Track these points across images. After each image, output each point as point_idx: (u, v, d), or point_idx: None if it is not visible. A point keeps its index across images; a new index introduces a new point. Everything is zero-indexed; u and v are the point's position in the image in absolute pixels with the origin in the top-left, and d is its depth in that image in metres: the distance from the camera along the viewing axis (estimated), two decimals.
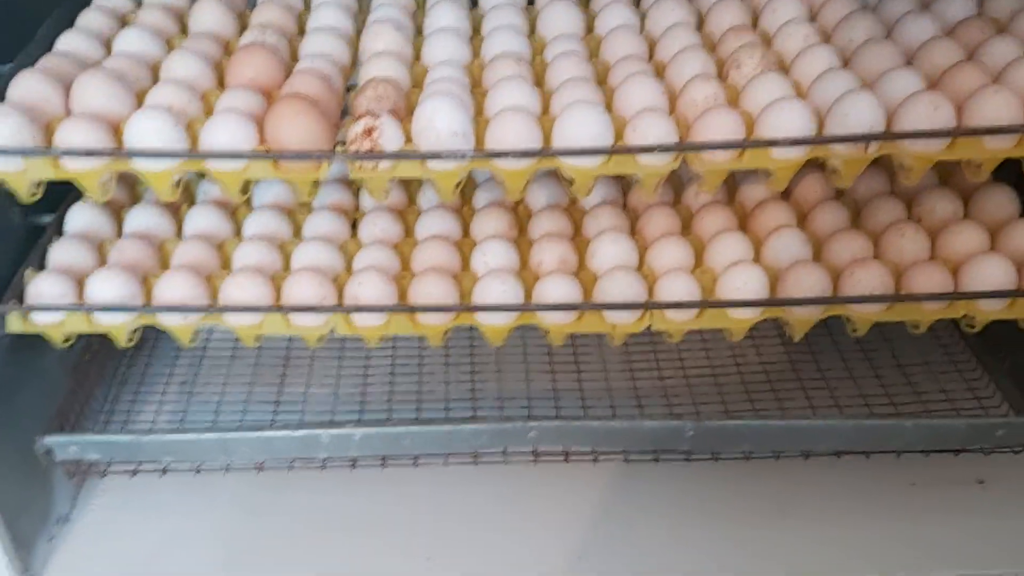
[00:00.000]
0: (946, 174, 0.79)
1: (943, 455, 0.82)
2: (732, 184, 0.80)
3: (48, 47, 0.72)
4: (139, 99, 0.67)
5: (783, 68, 0.70)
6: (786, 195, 0.77)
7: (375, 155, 0.62)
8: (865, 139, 0.63)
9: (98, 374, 0.87)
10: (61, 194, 0.77)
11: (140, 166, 0.64)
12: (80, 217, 0.76)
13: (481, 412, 0.86)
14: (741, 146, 0.63)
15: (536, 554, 0.76)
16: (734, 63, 0.69)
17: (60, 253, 0.72)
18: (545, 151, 0.63)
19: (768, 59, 0.69)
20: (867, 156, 0.64)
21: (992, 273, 0.69)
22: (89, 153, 0.62)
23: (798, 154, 0.64)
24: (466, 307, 0.70)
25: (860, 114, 0.62)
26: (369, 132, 0.62)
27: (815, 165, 0.75)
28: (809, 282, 0.69)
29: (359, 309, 0.69)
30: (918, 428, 0.75)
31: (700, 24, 0.77)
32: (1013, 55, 0.67)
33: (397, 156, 0.63)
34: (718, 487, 0.81)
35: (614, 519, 0.78)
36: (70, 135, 0.63)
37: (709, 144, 0.63)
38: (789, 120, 0.63)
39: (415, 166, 0.64)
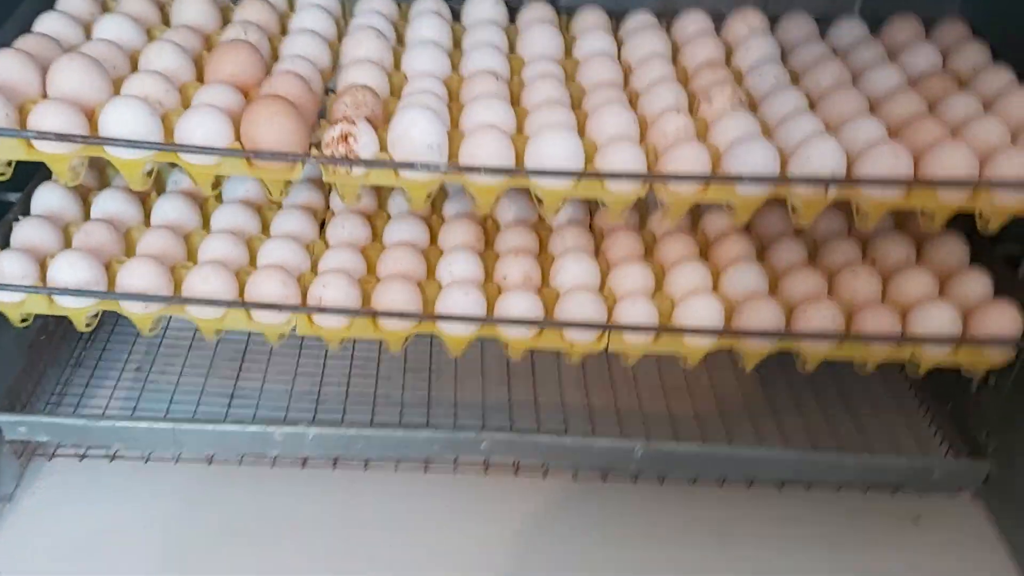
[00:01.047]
0: (901, 219, 0.81)
1: (882, 491, 0.84)
2: (696, 213, 0.82)
3: (26, 27, 0.72)
4: (116, 86, 0.67)
5: (752, 106, 0.72)
6: (747, 228, 0.80)
7: (350, 161, 0.63)
8: (826, 182, 0.65)
9: (53, 355, 0.86)
10: (28, 173, 0.77)
11: (113, 154, 0.64)
12: (47, 198, 0.76)
13: (435, 419, 0.87)
14: (706, 179, 0.65)
15: (480, 565, 0.77)
16: (705, 97, 0.71)
17: (24, 232, 0.72)
18: (517, 170, 0.64)
19: (738, 96, 0.71)
20: (826, 198, 0.66)
21: (939, 319, 0.72)
22: (62, 138, 0.62)
23: (761, 191, 0.66)
24: (428, 316, 0.71)
25: (823, 157, 0.65)
26: (345, 138, 0.63)
27: (777, 202, 0.77)
28: (763, 315, 0.71)
29: (322, 310, 0.70)
30: (859, 463, 0.78)
31: (675, 55, 0.79)
32: (972, 111, 0.69)
33: (371, 164, 0.63)
34: (663, 509, 0.82)
35: (559, 534, 0.79)
36: (44, 118, 0.62)
37: (676, 175, 0.65)
38: (754, 158, 0.65)
39: (388, 175, 0.65)
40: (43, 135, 0.62)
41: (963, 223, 0.77)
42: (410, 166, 0.63)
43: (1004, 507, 0.83)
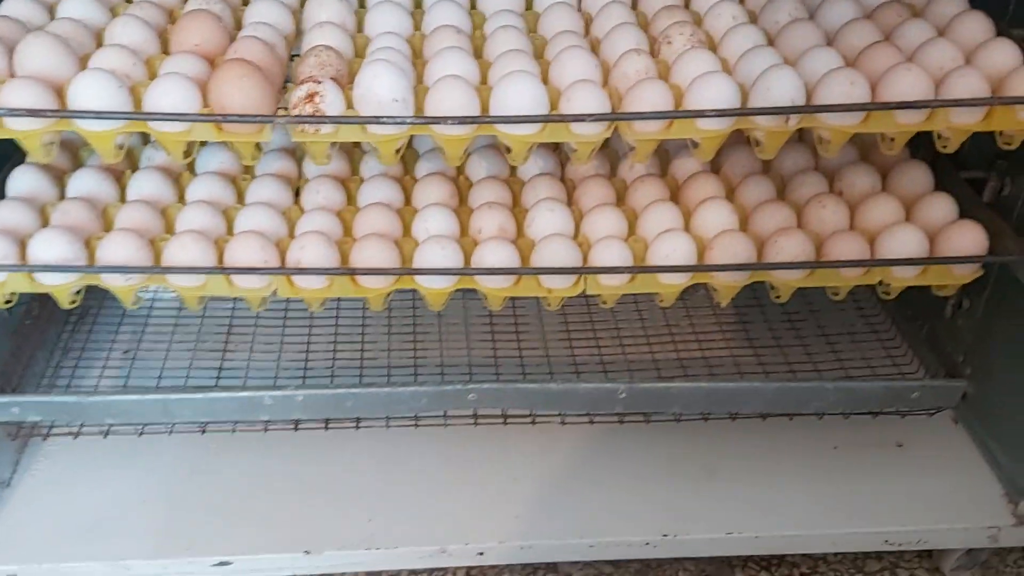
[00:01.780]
0: (865, 151, 0.83)
1: (863, 419, 0.86)
2: (665, 158, 0.83)
3: None
4: (83, 64, 0.67)
5: (712, 46, 0.73)
6: (716, 169, 0.81)
7: (317, 119, 0.64)
8: (786, 111, 0.66)
9: (40, 339, 0.87)
10: (2, 158, 0.77)
11: (83, 126, 0.64)
12: (22, 180, 0.76)
13: (422, 380, 0.88)
14: (670, 116, 0.66)
15: (475, 513, 0.79)
16: (665, 39, 0.72)
17: (2, 214, 0.73)
18: (482, 118, 0.65)
19: (697, 36, 0.72)
20: (788, 128, 0.67)
21: (906, 242, 0.73)
22: (33, 113, 0.63)
23: (723, 125, 0.67)
24: (407, 270, 0.72)
25: (782, 88, 0.66)
26: (311, 97, 0.64)
27: (742, 141, 0.78)
28: (735, 249, 0.73)
29: (302, 271, 0.71)
30: (838, 390, 0.79)
31: (635, 3, 0.80)
32: (925, 37, 0.71)
33: (338, 120, 0.64)
34: (650, 448, 0.84)
35: (550, 479, 0.81)
36: (13, 95, 0.63)
37: (639, 115, 0.66)
38: (715, 92, 0.66)
39: (356, 130, 0.66)
40: (14, 112, 0.63)
41: (928, 153, 0.79)
42: (377, 120, 0.64)
43: (984, 425, 0.85)
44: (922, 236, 0.74)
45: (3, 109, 0.63)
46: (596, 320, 0.95)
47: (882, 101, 0.66)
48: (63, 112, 0.64)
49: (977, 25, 0.72)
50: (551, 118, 0.66)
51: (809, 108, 0.66)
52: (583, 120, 0.65)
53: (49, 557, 0.75)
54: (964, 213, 0.76)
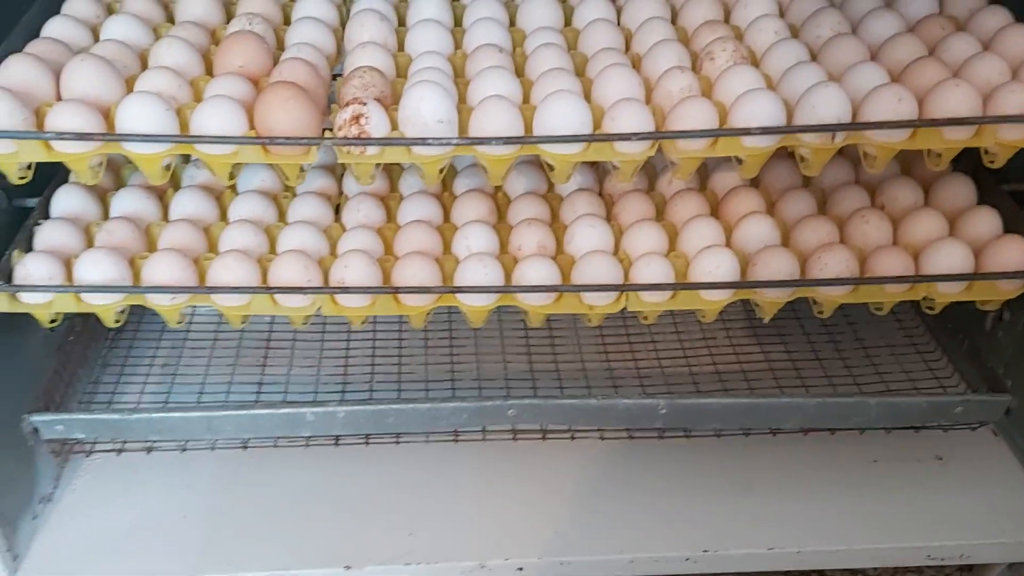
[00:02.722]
0: (908, 165, 0.82)
1: (904, 433, 0.86)
2: (704, 172, 0.83)
3: (34, 33, 0.73)
4: (128, 85, 0.68)
5: (754, 61, 0.73)
6: (756, 183, 0.81)
7: (364, 141, 0.64)
8: (832, 129, 0.66)
9: (82, 356, 0.88)
10: (46, 178, 0.78)
11: (132, 149, 0.65)
12: (66, 200, 0.77)
13: (460, 394, 0.88)
14: (714, 134, 0.66)
15: (514, 529, 0.79)
16: (708, 56, 0.72)
17: (47, 234, 0.73)
18: (527, 139, 0.65)
19: (740, 52, 0.72)
20: (834, 145, 0.67)
21: (950, 257, 0.73)
22: (82, 136, 0.63)
23: (768, 143, 0.67)
24: (450, 289, 0.72)
25: (827, 105, 0.66)
26: (357, 119, 0.64)
27: (784, 154, 0.78)
28: (777, 265, 0.72)
29: (346, 290, 0.71)
30: (880, 406, 0.79)
31: (674, 18, 0.79)
32: (971, 51, 0.70)
33: (385, 142, 0.65)
34: (690, 463, 0.84)
35: (590, 495, 0.81)
36: (62, 119, 0.64)
37: (684, 133, 0.66)
38: (760, 110, 0.66)
39: (402, 152, 0.66)
40: (63, 135, 0.63)
41: (969, 165, 0.79)
42: (423, 142, 0.65)
43: None
44: (967, 251, 0.73)
45: (52, 133, 0.64)
46: (632, 333, 0.95)
47: (930, 118, 0.66)
48: (112, 136, 0.64)
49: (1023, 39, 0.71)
50: (596, 137, 0.66)
51: (857, 125, 0.66)
52: (629, 139, 0.65)
53: (90, 572, 0.75)
54: (1008, 227, 0.76)
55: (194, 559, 0.76)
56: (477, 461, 0.84)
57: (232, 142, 0.64)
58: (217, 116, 0.64)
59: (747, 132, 0.65)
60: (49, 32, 0.73)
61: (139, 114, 0.64)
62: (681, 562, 0.78)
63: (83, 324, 0.87)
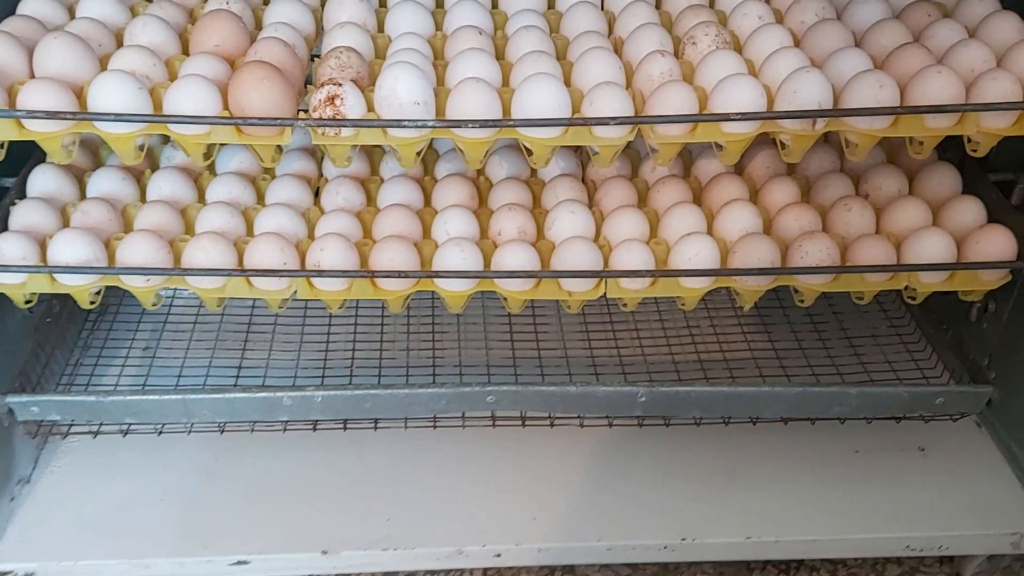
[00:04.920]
0: (892, 153, 0.82)
1: (886, 423, 0.85)
2: (687, 159, 0.82)
3: (10, 10, 0.72)
4: (102, 64, 0.67)
5: (737, 46, 0.72)
6: (740, 170, 0.80)
7: (338, 122, 0.63)
8: (811, 115, 0.65)
9: (60, 338, 0.87)
10: (23, 158, 0.77)
11: (103, 129, 0.64)
12: (42, 180, 0.76)
13: (440, 380, 0.88)
14: (694, 119, 0.65)
15: (492, 515, 0.78)
16: (690, 40, 0.71)
17: (22, 215, 0.73)
18: (503, 122, 0.65)
19: (722, 37, 0.71)
20: (815, 132, 0.66)
21: (932, 247, 0.72)
22: (52, 115, 0.62)
23: (749, 128, 0.66)
24: (426, 273, 0.71)
25: (809, 91, 0.65)
26: (332, 100, 0.63)
27: (766, 142, 0.77)
28: (758, 253, 0.72)
29: (320, 273, 0.70)
30: (861, 396, 0.78)
31: (659, 2, 0.79)
32: (956, 38, 0.69)
33: (359, 124, 0.64)
34: (669, 452, 0.83)
35: (568, 482, 0.81)
36: (34, 97, 0.63)
37: (662, 117, 0.65)
38: (741, 95, 0.65)
39: (377, 134, 0.65)
40: (33, 114, 0.62)
41: (956, 154, 0.78)
42: (398, 124, 0.64)
43: (1008, 430, 0.84)
44: (950, 241, 0.72)
45: (23, 111, 0.63)
46: (615, 320, 0.94)
47: (911, 105, 0.65)
48: (83, 114, 0.63)
49: (1009, 26, 0.70)
50: (574, 121, 0.65)
51: (836, 112, 0.65)
52: (606, 124, 0.65)
53: (68, 555, 0.75)
54: (992, 217, 0.75)
55: (171, 542, 0.76)
56: (456, 447, 0.83)
57: (204, 122, 0.63)
58: (190, 95, 0.63)
59: (726, 118, 0.65)
60: (24, 10, 0.72)
61: (111, 93, 0.63)
62: (659, 550, 0.78)
63: (61, 306, 0.87)
